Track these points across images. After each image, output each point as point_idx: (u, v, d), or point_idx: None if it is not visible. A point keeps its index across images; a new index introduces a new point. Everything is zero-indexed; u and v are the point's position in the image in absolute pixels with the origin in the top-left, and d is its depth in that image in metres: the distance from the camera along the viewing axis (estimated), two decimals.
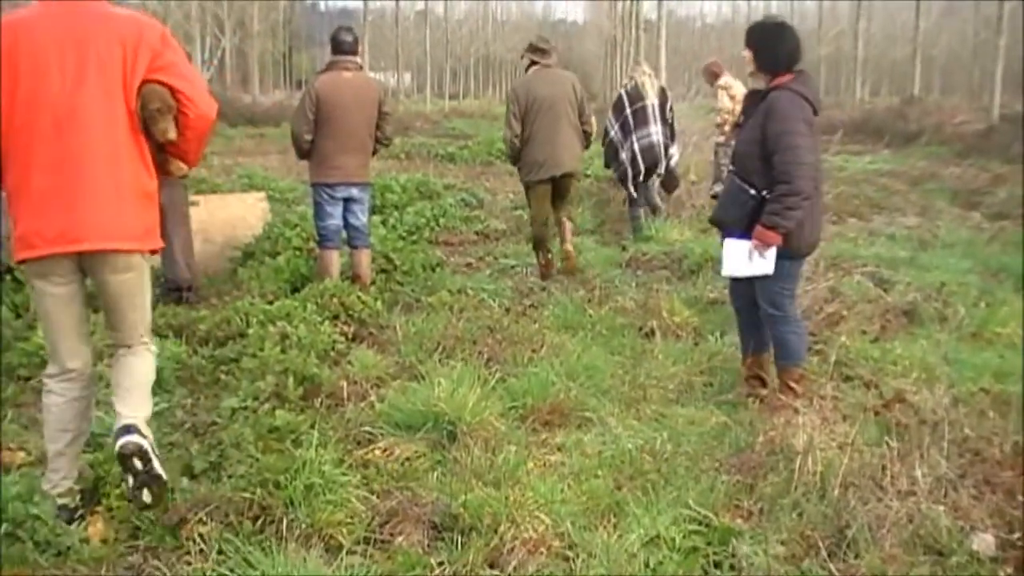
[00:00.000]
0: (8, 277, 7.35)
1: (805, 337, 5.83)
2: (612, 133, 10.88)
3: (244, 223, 9.47)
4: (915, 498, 4.03)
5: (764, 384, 5.78)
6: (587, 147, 9.65)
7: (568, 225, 9.62)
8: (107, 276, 4.05)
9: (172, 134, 4.03)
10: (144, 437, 3.99)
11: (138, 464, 3.92)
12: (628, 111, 10.79)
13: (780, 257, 5.43)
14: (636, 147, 10.76)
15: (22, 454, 4.65)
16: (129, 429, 3.98)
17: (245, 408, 5.30)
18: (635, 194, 11.07)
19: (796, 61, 5.51)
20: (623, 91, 10.98)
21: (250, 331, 6.47)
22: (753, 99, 5.67)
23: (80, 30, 3.93)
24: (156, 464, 3.97)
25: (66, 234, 3.89)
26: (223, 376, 5.98)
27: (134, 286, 4.13)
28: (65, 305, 4.07)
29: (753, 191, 5.42)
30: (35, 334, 6.22)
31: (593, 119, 9.55)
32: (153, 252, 4.22)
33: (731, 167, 5.83)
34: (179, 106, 4.03)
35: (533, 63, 9.39)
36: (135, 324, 4.21)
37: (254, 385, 5.54)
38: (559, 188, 9.38)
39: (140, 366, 4.24)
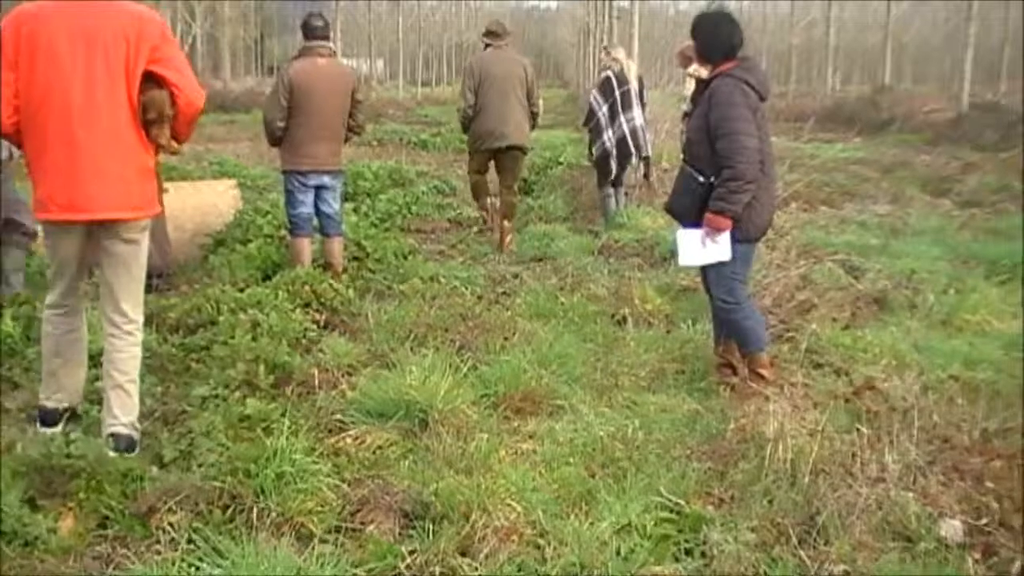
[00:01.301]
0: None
1: (762, 321, 5.87)
2: (599, 114, 10.85)
3: (215, 210, 9.41)
4: (884, 485, 4.06)
5: (735, 372, 5.80)
6: (534, 127, 10.60)
7: (509, 203, 10.48)
8: (115, 241, 4.73)
9: (164, 140, 4.70)
10: (134, 443, 4.70)
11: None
12: (617, 93, 10.80)
13: (732, 242, 5.47)
14: (625, 128, 10.79)
15: None
16: (128, 441, 4.69)
17: (216, 396, 5.26)
18: (616, 174, 11.12)
19: (736, 48, 5.59)
20: (611, 73, 10.94)
21: (221, 319, 6.43)
22: (700, 89, 5.75)
23: (90, 24, 4.49)
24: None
25: (75, 204, 4.57)
26: (193, 364, 5.94)
27: (136, 253, 4.82)
28: (71, 257, 4.79)
29: (702, 178, 5.49)
30: (2, 322, 6.17)
31: (541, 102, 10.62)
32: (155, 217, 4.95)
33: (683, 156, 5.89)
34: (171, 95, 4.62)
35: (487, 45, 10.33)
36: (129, 294, 4.84)
37: (225, 373, 5.51)
38: (504, 160, 10.34)
39: (131, 360, 4.85)
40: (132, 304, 4.86)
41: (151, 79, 4.60)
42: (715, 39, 5.61)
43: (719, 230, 5.41)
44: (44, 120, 4.50)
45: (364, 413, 5.12)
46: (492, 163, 10.53)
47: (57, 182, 4.54)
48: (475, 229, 11.05)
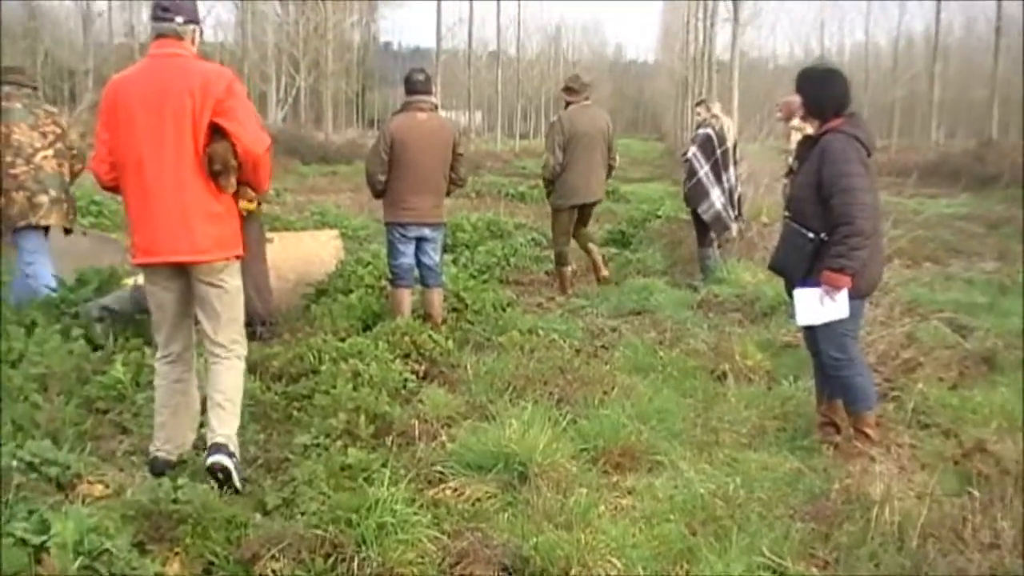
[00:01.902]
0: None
1: (871, 380, 5.76)
2: (701, 173, 10.78)
3: (317, 260, 9.56)
4: (998, 552, 3.95)
5: (839, 431, 5.70)
6: (608, 176, 11.17)
7: (595, 248, 11.16)
8: (195, 281, 5.06)
9: (231, 188, 5.00)
10: (231, 456, 4.90)
11: (221, 477, 4.81)
12: (718, 152, 10.76)
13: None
14: (729, 187, 10.77)
15: (100, 487, 4.71)
16: (219, 448, 4.89)
17: (317, 445, 5.34)
18: (733, 234, 11.12)
19: (845, 105, 5.54)
20: (711, 131, 10.87)
21: (323, 368, 6.53)
22: (806, 144, 5.69)
23: (161, 84, 4.90)
24: (236, 479, 4.85)
25: (149, 249, 5.00)
26: (296, 412, 6.04)
27: (220, 294, 5.09)
28: (166, 300, 5.13)
29: (811, 235, 5.42)
30: (113, 368, 6.34)
31: (617, 155, 11.03)
32: (238, 258, 5.17)
33: (785, 213, 5.83)
34: (231, 144, 4.90)
35: (569, 102, 10.55)
36: (221, 326, 5.13)
37: (326, 422, 5.58)
38: (584, 214, 10.84)
39: (230, 379, 5.15)
40: (227, 339, 5.17)
41: (218, 131, 4.91)
42: (825, 95, 5.57)
43: (838, 288, 5.34)
44: (126, 174, 4.97)
45: (463, 465, 5.13)
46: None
47: (137, 229, 5.03)
48: (551, 297, 10.83)
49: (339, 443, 5.29)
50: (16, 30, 38.01)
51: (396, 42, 71.63)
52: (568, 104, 10.56)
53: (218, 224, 5.02)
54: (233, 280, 5.17)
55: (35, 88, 8.63)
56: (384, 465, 4.88)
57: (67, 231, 8.52)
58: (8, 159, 8.03)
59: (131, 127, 4.89)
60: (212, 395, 5.11)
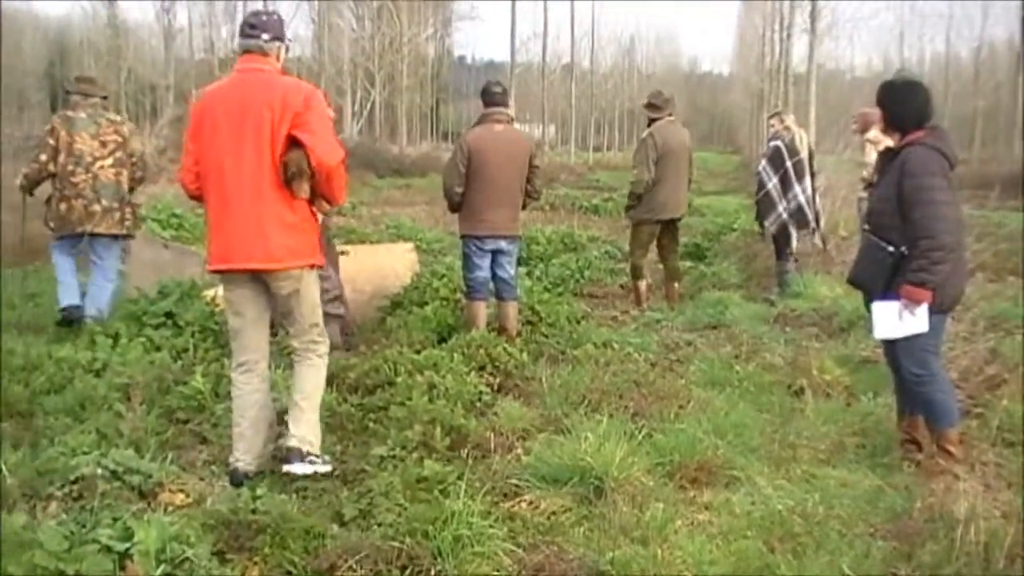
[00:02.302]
0: (170, 322, 7.62)
1: (954, 396, 5.65)
2: (769, 186, 10.71)
3: (393, 273, 9.63)
4: None
5: (920, 448, 5.59)
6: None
7: (676, 267, 11.11)
8: (272, 288, 5.24)
9: (304, 193, 5.11)
10: (304, 459, 5.15)
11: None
12: (788, 164, 10.66)
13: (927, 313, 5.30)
14: (800, 199, 10.66)
15: (181, 496, 4.77)
16: (292, 454, 5.15)
17: (393, 457, 5.37)
18: (793, 247, 10.97)
19: (927, 118, 5.44)
20: (781, 143, 10.79)
21: (398, 380, 6.56)
22: (886, 157, 5.60)
23: (244, 97, 5.09)
24: (320, 470, 5.19)
25: (225, 256, 5.17)
26: (371, 424, 6.07)
27: (297, 300, 5.26)
28: (243, 308, 5.30)
29: (891, 248, 5.34)
30: (193, 378, 6.43)
31: (695, 169, 11.20)
32: (313, 267, 5.32)
33: (865, 226, 5.75)
34: (307, 156, 5.02)
35: (653, 119, 10.51)
36: (299, 325, 5.33)
37: (402, 434, 5.60)
38: (670, 230, 10.75)
39: (309, 378, 5.35)
40: (305, 341, 5.39)
41: (295, 142, 5.06)
42: (906, 108, 5.49)
43: (918, 302, 5.25)
44: (208, 183, 5.19)
45: (539, 478, 5.12)
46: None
47: (215, 237, 5.22)
48: (626, 310, 10.76)
49: (415, 455, 5.32)
50: (100, 47, 38.94)
51: (470, 56, 72.15)
52: (653, 120, 10.52)
53: (293, 234, 5.17)
54: (309, 287, 5.32)
55: (105, 97, 8.94)
56: (460, 477, 4.89)
57: (125, 236, 8.84)
58: (70, 167, 8.46)
59: (214, 139, 5.10)
60: (292, 395, 5.37)
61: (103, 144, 8.59)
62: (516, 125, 9.36)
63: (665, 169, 10.25)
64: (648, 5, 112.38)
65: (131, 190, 8.82)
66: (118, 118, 9.07)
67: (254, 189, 5.05)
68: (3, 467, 4.77)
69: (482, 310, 8.29)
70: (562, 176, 32.23)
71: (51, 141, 8.51)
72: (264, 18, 5.36)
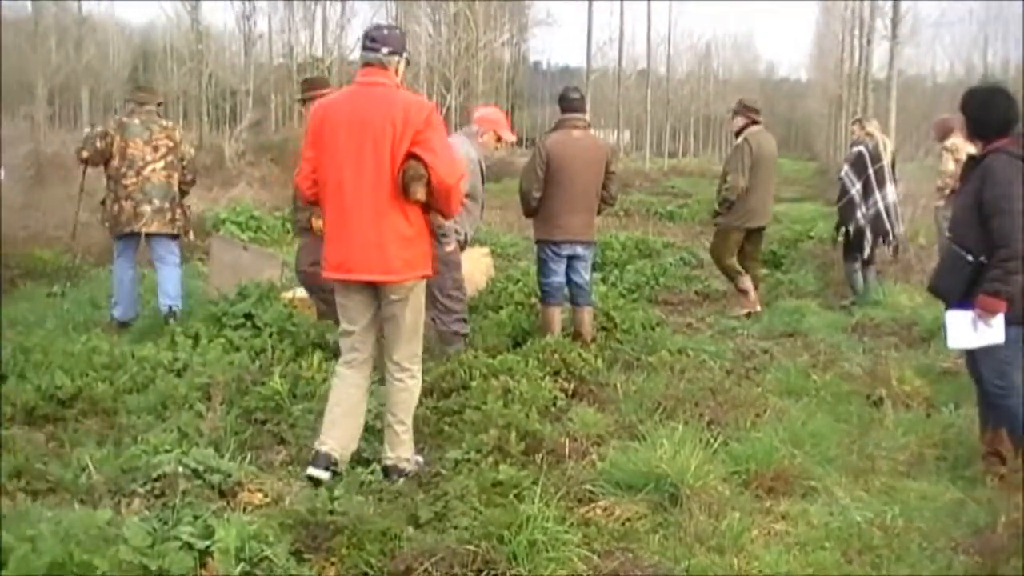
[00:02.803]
0: (249, 323, 7.73)
1: None
2: (852, 191, 10.59)
3: (469, 277, 9.63)
4: None
5: (1004, 461, 5.48)
6: None
7: (759, 276, 11.12)
8: (383, 298, 5.34)
9: (420, 196, 5.14)
10: (403, 475, 5.33)
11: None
12: (871, 170, 10.54)
13: (1005, 324, 5.19)
14: (881, 206, 10.53)
15: (259, 495, 4.84)
16: (396, 471, 5.34)
17: (468, 460, 5.39)
18: (869, 252, 10.84)
19: (1011, 125, 5.34)
20: (864, 149, 10.66)
21: (473, 384, 6.58)
22: (969, 165, 5.51)
23: (364, 111, 5.19)
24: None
25: (342, 265, 5.29)
26: (446, 427, 6.10)
27: (404, 311, 5.34)
28: (356, 314, 5.41)
29: (970, 257, 5.25)
30: (271, 379, 6.51)
31: None
32: (424, 278, 5.41)
33: (948, 233, 5.67)
34: (427, 173, 5.10)
35: (754, 122, 10.43)
36: (399, 346, 5.41)
37: (477, 438, 5.62)
38: (757, 237, 10.83)
39: (403, 400, 5.43)
40: (403, 356, 5.42)
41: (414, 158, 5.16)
42: (989, 115, 5.40)
43: (993, 312, 5.15)
44: (326, 192, 5.31)
45: (613, 484, 5.11)
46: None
47: (332, 245, 5.32)
48: (743, 311, 10.48)
49: (490, 459, 5.33)
50: (183, 52, 39.61)
51: (545, 61, 72.13)
52: (745, 126, 10.44)
53: (410, 246, 5.27)
54: (418, 298, 5.43)
55: (160, 104, 9.43)
56: (535, 482, 4.89)
57: (174, 236, 9.20)
58: (122, 170, 8.92)
59: (335, 149, 5.22)
60: (387, 415, 5.45)
61: (155, 148, 9.02)
62: (592, 131, 9.35)
63: (757, 176, 10.22)
64: (725, 11, 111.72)
65: (183, 193, 9.29)
66: (169, 124, 9.49)
67: (374, 202, 5.16)
68: (89, 463, 4.88)
69: (557, 315, 8.30)
70: (637, 182, 32.10)
71: (99, 144, 8.99)
72: (385, 32, 5.45)
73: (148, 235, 9.05)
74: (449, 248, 7.38)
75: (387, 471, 5.33)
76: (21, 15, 36.43)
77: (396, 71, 5.38)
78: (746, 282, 10.50)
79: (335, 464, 5.27)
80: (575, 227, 8.15)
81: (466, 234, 7.79)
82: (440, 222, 5.66)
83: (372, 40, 5.35)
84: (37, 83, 25.23)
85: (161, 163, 9.02)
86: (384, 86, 5.29)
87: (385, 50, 5.33)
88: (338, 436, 5.36)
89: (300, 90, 8.84)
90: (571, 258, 8.22)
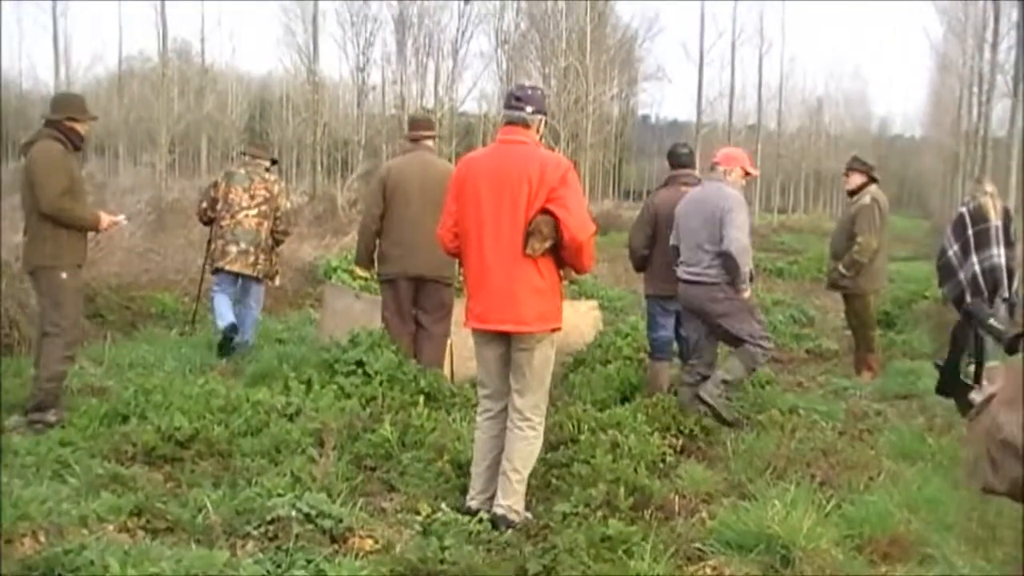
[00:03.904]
0: (360, 370, 7.84)
1: None
2: (950, 253, 10.40)
3: (576, 330, 9.68)
4: None
5: None
6: None
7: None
8: (514, 348, 5.51)
9: (533, 252, 5.32)
10: (510, 526, 5.33)
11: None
12: (970, 232, 10.32)
13: None
14: (976, 269, 10.28)
15: (370, 541, 4.89)
16: (504, 521, 5.37)
17: (576, 514, 5.38)
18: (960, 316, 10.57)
19: None
20: (965, 210, 10.46)
21: (581, 437, 6.57)
22: None
23: (503, 168, 5.41)
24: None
25: (481, 316, 5.50)
26: (554, 480, 6.09)
27: (531, 361, 5.49)
28: (491, 362, 5.61)
29: None
30: (382, 426, 6.59)
31: None
32: (554, 331, 5.57)
33: None
34: (559, 229, 5.29)
35: (873, 179, 10.11)
36: (523, 395, 5.52)
37: (585, 492, 5.61)
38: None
39: (522, 449, 5.52)
40: (526, 405, 5.54)
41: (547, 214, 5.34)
42: None
43: None
44: (467, 245, 5.54)
45: (723, 543, 5.04)
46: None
47: (473, 296, 5.58)
48: (812, 376, 10.48)
49: (599, 513, 5.32)
50: (299, 103, 40.61)
51: (654, 115, 72.13)
52: (863, 185, 10.10)
53: (542, 299, 5.45)
54: (545, 350, 5.56)
55: (274, 162, 10.73)
56: (644, 538, 4.87)
57: (258, 280, 10.18)
58: (222, 213, 10.01)
59: (476, 204, 5.44)
60: (504, 462, 5.54)
61: (252, 196, 10.02)
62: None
63: (883, 236, 9.96)
64: (838, 67, 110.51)
65: (277, 242, 10.32)
66: (272, 178, 10.38)
67: (510, 256, 5.36)
68: (207, 503, 4.99)
69: (665, 370, 8.27)
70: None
71: (212, 193, 10.20)
72: (529, 91, 5.67)
73: (239, 275, 10.06)
74: (747, 294, 7.55)
75: (495, 520, 5.36)
76: (147, 67, 37.88)
77: (537, 129, 5.61)
78: (874, 360, 10.35)
79: (484, 507, 5.48)
80: None
81: (751, 271, 7.72)
82: (572, 276, 5.78)
83: (516, 99, 5.58)
84: (160, 132, 26.06)
85: (255, 211, 9.99)
86: (525, 144, 5.50)
87: (529, 109, 5.55)
88: (484, 489, 5.59)
89: (408, 127, 9.42)
90: (680, 313, 8.18)
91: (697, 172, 8.81)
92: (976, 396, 2.48)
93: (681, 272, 7.68)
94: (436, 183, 7.84)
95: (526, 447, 5.54)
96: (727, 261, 7.36)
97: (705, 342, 7.81)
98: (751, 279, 7.67)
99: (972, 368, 3.36)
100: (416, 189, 8.32)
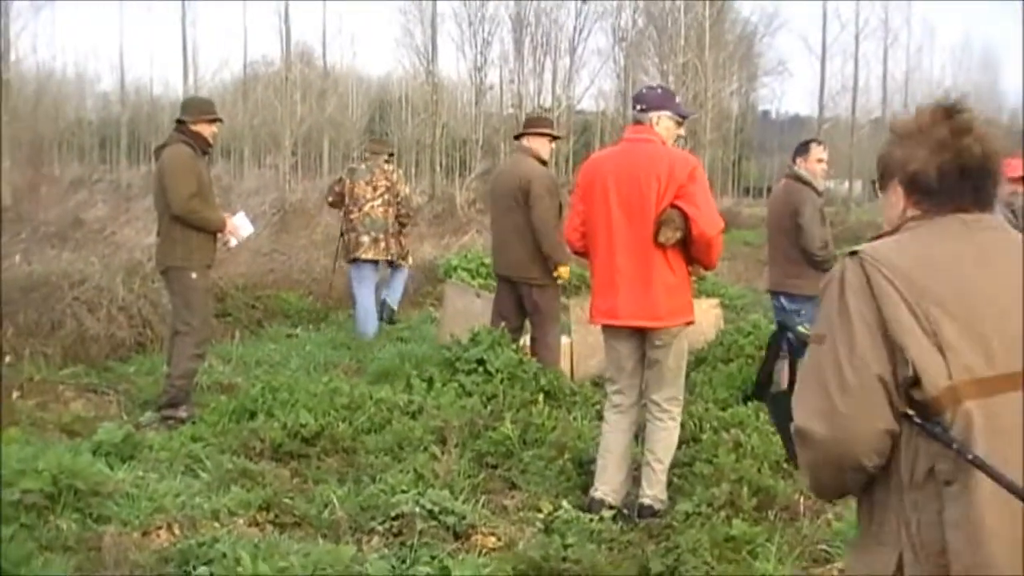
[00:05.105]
0: (481, 368, 7.88)
1: None
2: None
3: (698, 328, 9.50)
4: None
5: None
6: None
7: None
8: (648, 342, 5.62)
9: (666, 241, 5.36)
10: (657, 516, 5.47)
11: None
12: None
13: None
14: None
15: (493, 539, 4.93)
16: (649, 511, 5.51)
17: (699, 514, 5.31)
18: None
19: None
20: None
21: (703, 437, 6.51)
22: None
23: (631, 167, 5.51)
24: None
25: (610, 312, 5.60)
26: (675, 479, 6.04)
27: (666, 355, 5.61)
28: (623, 358, 5.73)
29: None
30: (503, 424, 6.61)
31: None
32: (687, 324, 5.69)
33: None
34: (688, 225, 5.34)
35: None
36: (660, 388, 5.66)
37: (708, 491, 5.54)
38: None
39: (662, 439, 5.66)
40: (663, 397, 5.68)
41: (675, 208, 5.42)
42: None
43: None
44: (595, 242, 5.65)
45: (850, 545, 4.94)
46: None
47: (600, 293, 5.68)
48: None
49: (722, 513, 5.25)
50: (418, 103, 41.07)
51: (774, 110, 70.99)
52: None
53: (674, 294, 5.54)
54: (680, 344, 5.69)
55: (391, 155, 11.65)
56: (768, 539, 4.82)
57: (390, 263, 11.24)
58: (350, 207, 10.83)
59: (604, 203, 5.54)
60: (646, 454, 5.71)
61: (374, 188, 10.80)
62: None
63: None
64: (967, 57, 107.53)
65: (402, 226, 11.11)
66: (390, 168, 11.20)
67: (641, 252, 5.45)
68: (334, 499, 5.08)
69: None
70: (868, 233, 31.02)
71: (337, 188, 11.16)
72: (644, 91, 5.89)
73: (374, 261, 10.91)
74: None
75: (641, 510, 5.53)
76: (271, 71, 38.67)
77: (664, 127, 5.69)
78: None
79: (611, 508, 5.52)
80: (811, 278, 7.96)
81: None
82: (701, 272, 6.10)
83: (636, 100, 5.80)
84: (284, 135, 26.59)
85: (379, 200, 10.78)
86: (650, 142, 5.60)
87: (644, 108, 5.68)
88: (609, 481, 5.65)
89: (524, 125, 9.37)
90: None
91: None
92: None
93: None
94: (505, 187, 8.22)
95: (667, 437, 5.67)
96: None
97: None
98: None
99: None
100: (493, 192, 8.74)
